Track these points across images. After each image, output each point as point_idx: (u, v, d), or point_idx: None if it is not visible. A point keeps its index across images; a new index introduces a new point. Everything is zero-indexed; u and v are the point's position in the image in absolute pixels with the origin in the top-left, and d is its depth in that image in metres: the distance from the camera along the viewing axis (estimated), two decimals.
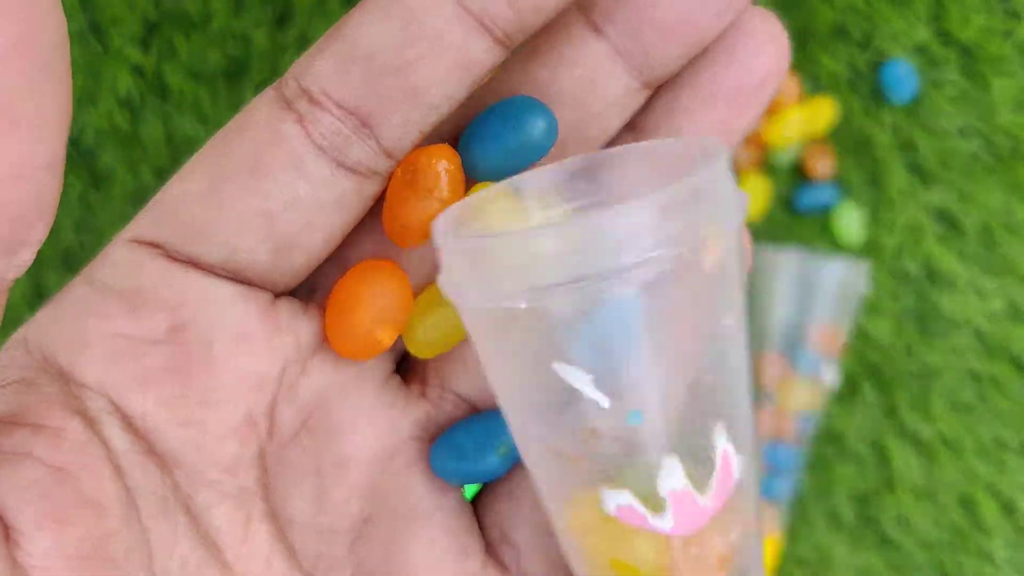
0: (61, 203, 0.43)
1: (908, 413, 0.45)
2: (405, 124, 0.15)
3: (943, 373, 0.45)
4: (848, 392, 0.45)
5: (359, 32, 0.15)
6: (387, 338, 0.16)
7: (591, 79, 0.16)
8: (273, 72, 0.44)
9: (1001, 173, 0.46)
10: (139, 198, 0.44)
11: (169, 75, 0.44)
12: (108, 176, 0.43)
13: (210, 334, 0.15)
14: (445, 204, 0.15)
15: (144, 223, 0.16)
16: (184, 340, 0.15)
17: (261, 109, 0.16)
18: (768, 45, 0.17)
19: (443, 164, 0.15)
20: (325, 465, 0.17)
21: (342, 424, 0.17)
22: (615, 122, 0.17)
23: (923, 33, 0.45)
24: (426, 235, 0.16)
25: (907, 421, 0.45)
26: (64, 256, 0.43)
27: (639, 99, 0.17)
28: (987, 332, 0.45)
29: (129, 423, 0.15)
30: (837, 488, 0.45)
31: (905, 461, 0.45)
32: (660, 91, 0.17)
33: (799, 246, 0.45)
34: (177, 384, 0.15)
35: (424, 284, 0.17)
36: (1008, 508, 0.45)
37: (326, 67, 0.15)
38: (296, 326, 0.16)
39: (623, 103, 0.17)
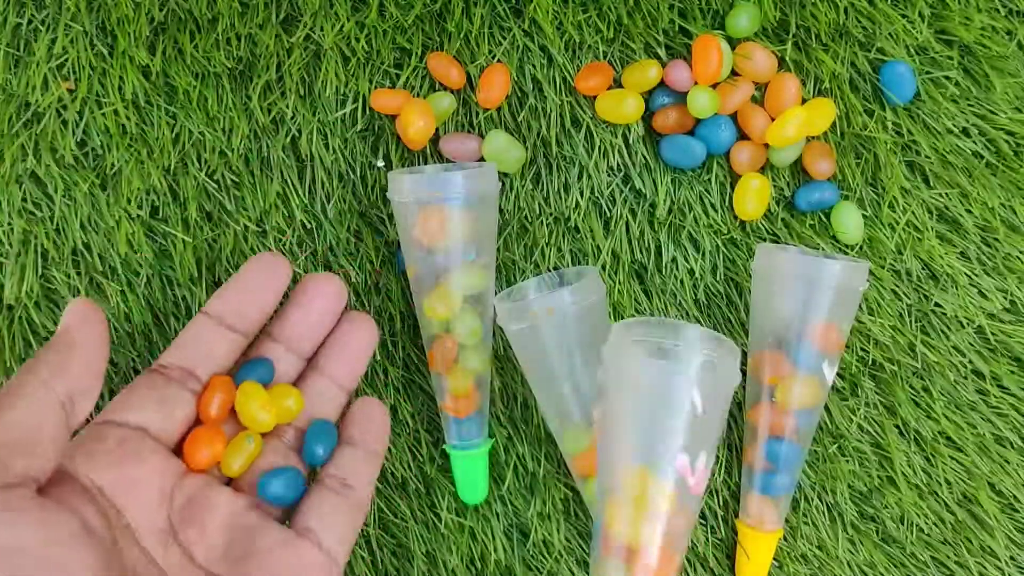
0: (69, 202, 0.44)
1: (909, 411, 0.45)
2: (208, 372, 0.38)
3: (944, 371, 0.45)
4: (849, 390, 0.45)
5: (184, 336, 0.39)
6: (217, 455, 0.37)
7: (279, 362, 0.40)
8: (279, 73, 0.44)
9: (1001, 173, 0.46)
10: (146, 198, 0.44)
11: (175, 76, 0.44)
12: (115, 176, 0.44)
13: (144, 450, 0.35)
14: (221, 402, 0.37)
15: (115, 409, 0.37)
16: (130, 449, 0.35)
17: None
18: (363, 331, 0.41)
19: (221, 384, 0.38)
20: (201, 517, 0.35)
21: (209, 499, 0.36)
22: (294, 374, 0.41)
23: (924, 33, 0.46)
24: (220, 419, 0.37)
25: (908, 419, 0.45)
26: (72, 255, 0.44)
27: (303, 363, 0.41)
28: (988, 330, 0.45)
29: (100, 491, 0.33)
30: (838, 485, 0.45)
31: (906, 459, 0.45)
32: (315, 355, 0.41)
33: (799, 245, 0.45)
34: (125, 470, 0.34)
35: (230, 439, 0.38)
36: (1009, 506, 0.45)
37: (169, 352, 0.38)
38: (176, 461, 0.36)
39: (295, 367, 0.40)
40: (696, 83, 0.44)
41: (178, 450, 0.37)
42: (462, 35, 0.45)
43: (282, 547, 0.35)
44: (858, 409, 0.45)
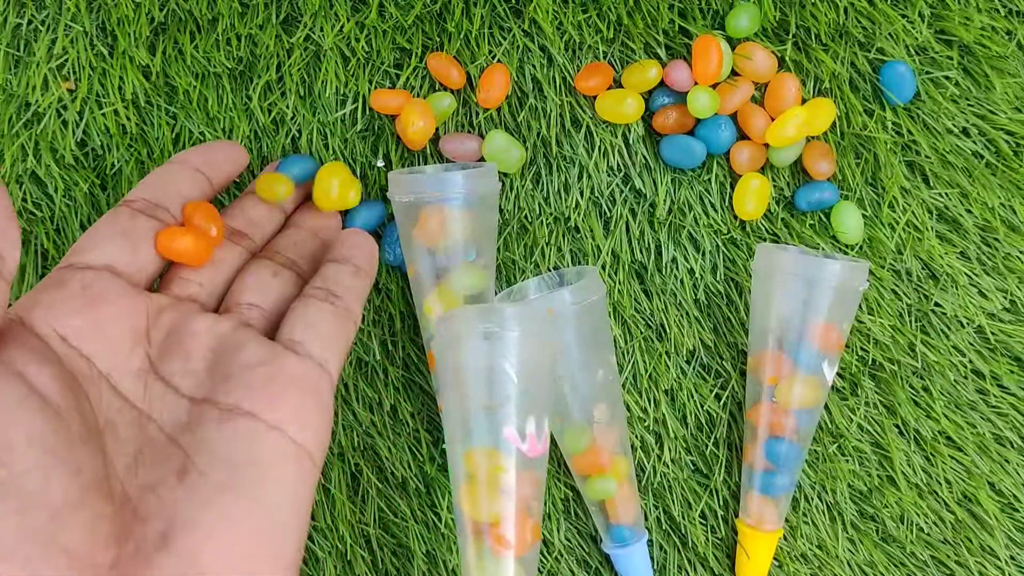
0: (69, 202, 0.44)
1: (909, 410, 0.45)
2: (178, 208, 0.36)
3: (944, 371, 0.45)
4: (849, 390, 0.46)
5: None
6: (198, 249, 0.35)
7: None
8: (279, 73, 0.44)
9: (1001, 173, 0.46)
10: None
11: (176, 76, 0.44)
12: (115, 176, 0.44)
13: (111, 291, 0.32)
14: (207, 218, 0.36)
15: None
16: (95, 292, 0.32)
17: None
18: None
19: (203, 206, 0.36)
20: (184, 347, 0.33)
21: (190, 326, 0.33)
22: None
23: (924, 33, 0.46)
24: (218, 239, 0.36)
25: (908, 419, 0.45)
26: None
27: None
28: (988, 330, 0.45)
29: (65, 340, 0.31)
30: (838, 485, 0.45)
31: (906, 458, 0.45)
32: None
33: (799, 245, 0.45)
34: (90, 315, 0.31)
35: None
36: (1009, 505, 0.45)
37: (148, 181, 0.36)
38: (151, 298, 0.33)
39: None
40: (696, 83, 0.44)
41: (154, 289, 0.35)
42: (462, 35, 0.45)
43: (266, 362, 0.32)
44: (858, 409, 0.45)
